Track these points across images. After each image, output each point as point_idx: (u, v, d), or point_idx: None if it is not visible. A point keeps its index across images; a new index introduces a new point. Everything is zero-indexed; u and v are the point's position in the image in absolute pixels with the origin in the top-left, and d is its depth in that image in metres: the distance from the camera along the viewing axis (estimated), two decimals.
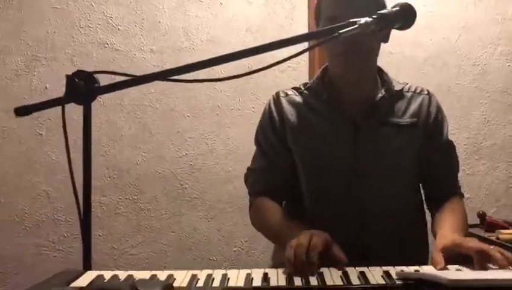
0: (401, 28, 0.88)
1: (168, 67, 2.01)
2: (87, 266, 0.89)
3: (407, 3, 0.88)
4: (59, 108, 0.96)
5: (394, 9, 0.87)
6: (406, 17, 0.87)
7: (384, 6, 1.06)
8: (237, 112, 1.93)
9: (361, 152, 1.15)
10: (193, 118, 1.92)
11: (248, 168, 1.28)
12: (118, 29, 1.90)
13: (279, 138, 1.21)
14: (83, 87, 0.84)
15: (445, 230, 1.06)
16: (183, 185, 1.92)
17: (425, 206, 1.27)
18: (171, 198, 1.92)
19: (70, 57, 1.89)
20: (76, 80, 0.83)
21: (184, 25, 1.91)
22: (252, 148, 1.90)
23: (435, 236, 1.09)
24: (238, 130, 1.93)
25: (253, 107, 1.93)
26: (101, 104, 1.89)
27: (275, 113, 1.22)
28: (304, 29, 1.91)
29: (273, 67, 0.97)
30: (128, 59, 1.89)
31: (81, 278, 0.82)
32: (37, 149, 1.88)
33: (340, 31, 0.78)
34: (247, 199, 1.91)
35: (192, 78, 0.87)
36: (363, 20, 0.81)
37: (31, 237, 1.87)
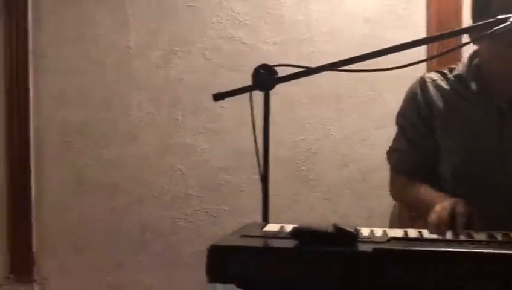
0: None
1: (290, 59, 2.27)
2: (266, 220, 1.17)
3: None
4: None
5: None
6: None
7: None
8: (354, 99, 2.15)
9: (507, 139, 1.26)
10: (311, 105, 2.17)
11: (391, 148, 1.43)
12: (245, 23, 2.19)
13: (424, 122, 1.34)
14: (266, 77, 1.11)
15: None
16: (300, 168, 2.18)
17: None
18: (289, 179, 2.19)
19: (203, 51, 2.21)
20: (262, 71, 1.10)
21: (305, 18, 2.16)
22: (367, 134, 2.14)
23: None
24: (354, 116, 2.15)
25: (369, 95, 2.14)
26: None
27: (421, 98, 1.33)
28: (422, 20, 2.08)
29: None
30: (254, 51, 2.18)
31: (267, 227, 1.09)
32: (173, 133, 2.24)
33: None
34: (361, 182, 2.14)
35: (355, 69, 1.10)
36: None
37: (167, 210, 2.24)
